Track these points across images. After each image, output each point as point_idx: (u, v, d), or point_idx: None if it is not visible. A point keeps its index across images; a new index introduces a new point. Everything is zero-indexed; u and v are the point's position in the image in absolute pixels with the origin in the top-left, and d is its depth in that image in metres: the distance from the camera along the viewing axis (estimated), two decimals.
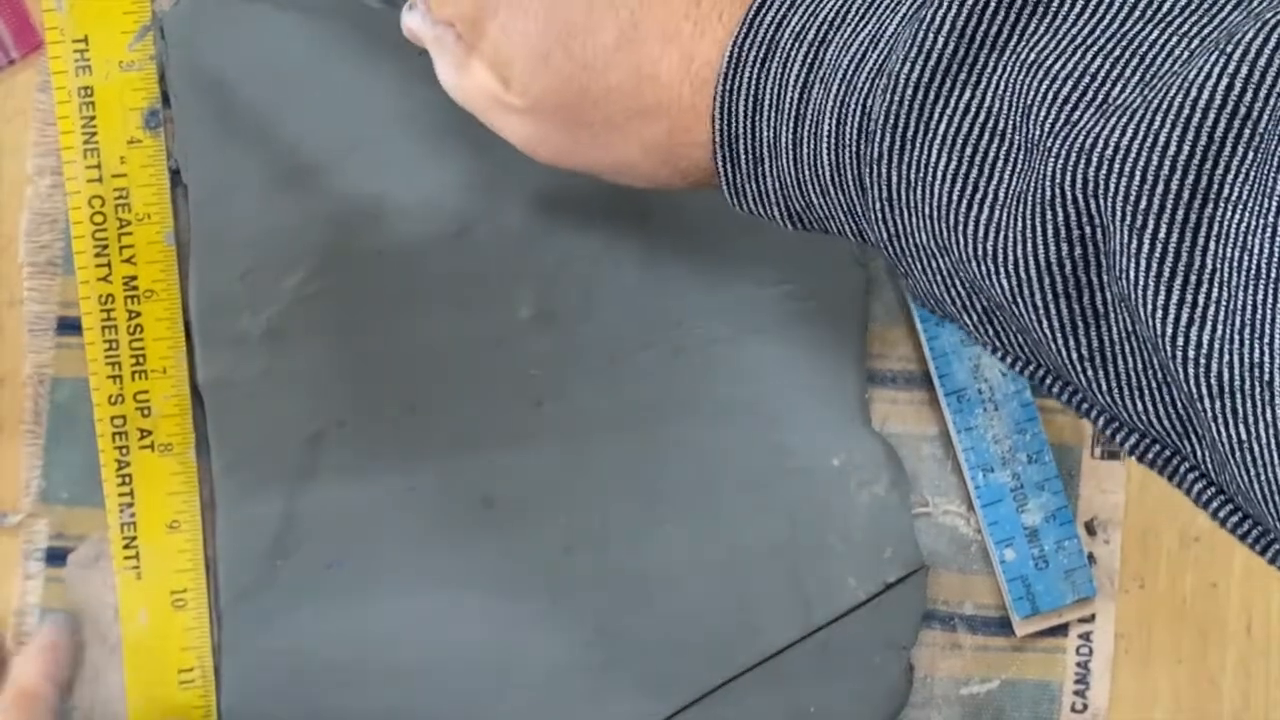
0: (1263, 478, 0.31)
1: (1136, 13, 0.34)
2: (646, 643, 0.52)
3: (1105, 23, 0.34)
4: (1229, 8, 0.33)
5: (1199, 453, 0.33)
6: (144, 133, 0.52)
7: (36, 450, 0.53)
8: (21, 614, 0.53)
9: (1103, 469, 0.54)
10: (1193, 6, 0.34)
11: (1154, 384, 0.33)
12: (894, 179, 0.36)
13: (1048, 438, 0.53)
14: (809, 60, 0.38)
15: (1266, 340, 0.30)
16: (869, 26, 0.37)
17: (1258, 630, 0.54)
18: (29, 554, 0.53)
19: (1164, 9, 0.34)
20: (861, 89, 0.36)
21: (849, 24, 0.37)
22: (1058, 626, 0.53)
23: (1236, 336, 0.30)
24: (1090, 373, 0.34)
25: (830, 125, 0.37)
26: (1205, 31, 0.33)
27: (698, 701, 0.52)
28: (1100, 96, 0.33)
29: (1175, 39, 0.33)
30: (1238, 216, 0.30)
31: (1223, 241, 0.31)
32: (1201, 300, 0.31)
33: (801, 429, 0.53)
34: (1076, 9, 0.34)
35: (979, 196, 0.35)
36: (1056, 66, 0.34)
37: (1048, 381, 0.37)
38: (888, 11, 0.37)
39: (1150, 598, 0.54)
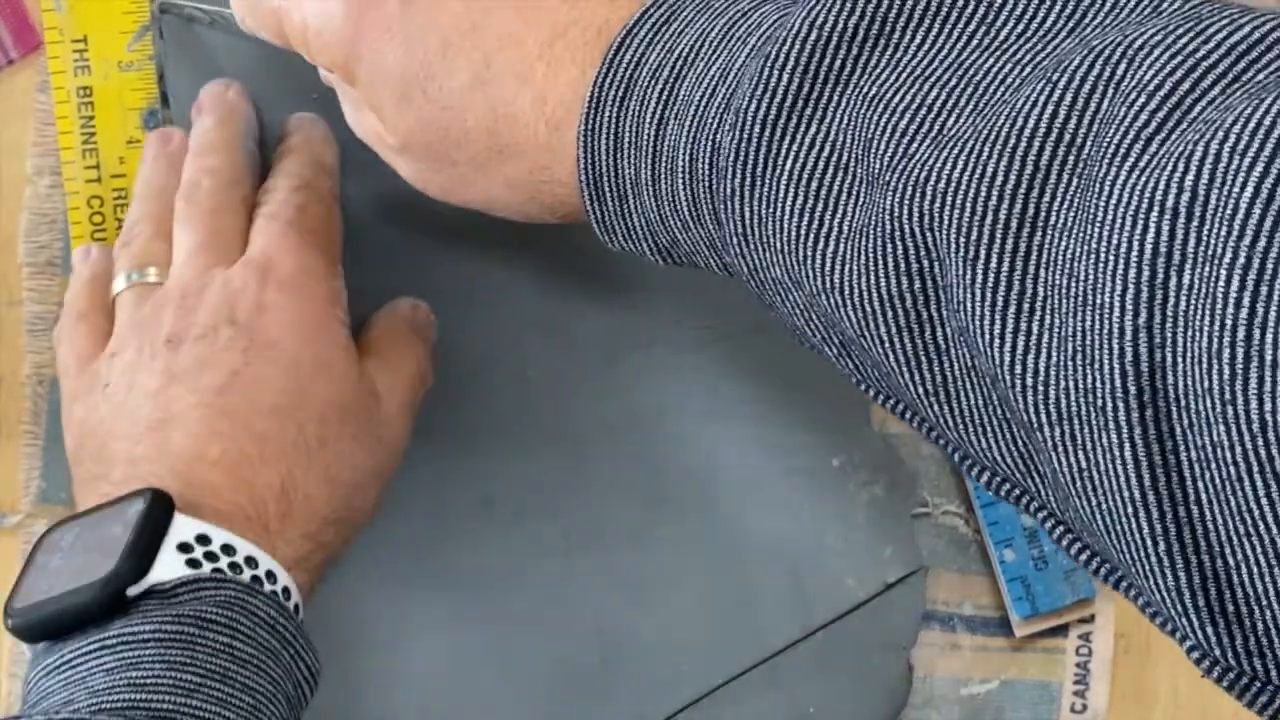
0: (1103, 506, 0.31)
1: (974, 42, 0.34)
2: (646, 643, 0.52)
3: (944, 53, 0.34)
4: (1062, 34, 0.33)
5: (1043, 491, 0.33)
6: (143, 133, 0.52)
7: (36, 451, 0.53)
8: None
9: None
10: (1027, 34, 0.34)
11: (996, 420, 0.33)
12: (746, 214, 0.36)
13: None
14: (664, 96, 0.38)
15: (1097, 365, 0.29)
16: (720, 60, 0.37)
17: None
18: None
19: (999, 37, 0.34)
20: (711, 124, 0.36)
21: (702, 58, 0.38)
22: (1057, 627, 0.53)
23: (1070, 362, 0.30)
24: (937, 408, 0.34)
25: (684, 161, 0.37)
26: (1038, 59, 0.33)
27: (698, 701, 0.52)
28: (936, 128, 0.33)
29: (1010, 66, 0.33)
30: (1064, 242, 0.30)
31: (1052, 268, 0.31)
32: (1035, 327, 0.31)
33: (801, 429, 0.53)
34: (917, 40, 0.34)
35: (825, 231, 0.35)
36: (895, 99, 0.34)
37: (906, 415, 0.37)
38: (738, 44, 0.37)
39: None
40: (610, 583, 0.52)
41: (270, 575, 0.42)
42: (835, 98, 0.35)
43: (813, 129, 0.35)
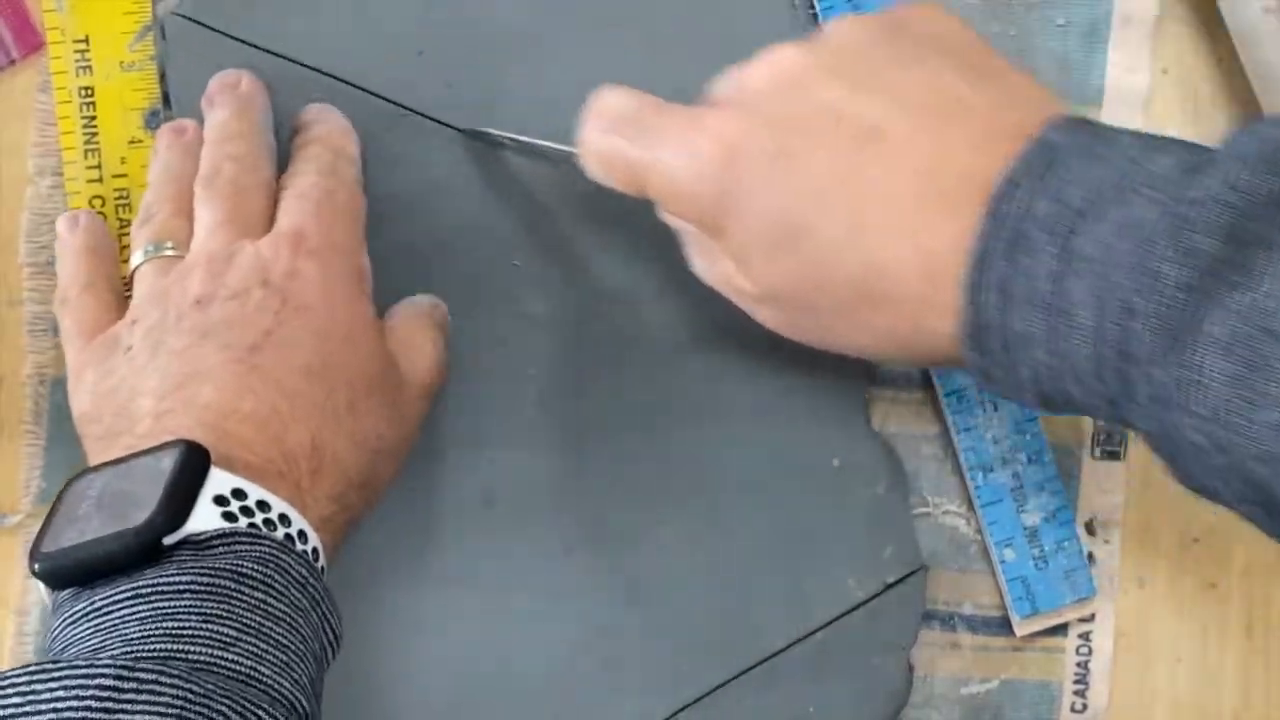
0: None
1: None
2: (646, 643, 0.52)
3: None
4: None
5: None
6: (145, 133, 0.53)
7: (37, 451, 0.53)
8: (22, 614, 0.53)
9: (1102, 469, 0.54)
10: None
11: None
12: (1164, 379, 0.36)
13: (1047, 438, 0.53)
14: (1060, 251, 0.37)
15: None
16: (1118, 213, 0.36)
17: (1257, 630, 0.54)
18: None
19: None
20: (1121, 285, 0.36)
21: (1097, 210, 0.37)
22: (1057, 626, 0.53)
23: None
24: None
25: (1089, 321, 0.37)
26: None
27: (698, 701, 0.52)
28: None
29: None
30: None
31: None
32: None
33: (801, 429, 0.53)
34: None
35: (1258, 399, 0.34)
36: None
37: None
38: (1136, 196, 0.36)
39: (1150, 598, 0.54)
40: (610, 583, 0.52)
41: (301, 534, 0.42)
42: (1262, 262, 0.34)
43: (1238, 294, 0.35)
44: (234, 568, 0.39)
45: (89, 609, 0.38)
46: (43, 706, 0.34)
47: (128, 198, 0.52)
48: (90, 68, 0.52)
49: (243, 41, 0.52)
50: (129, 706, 0.34)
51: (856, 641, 0.53)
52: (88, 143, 0.52)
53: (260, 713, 0.36)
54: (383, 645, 0.52)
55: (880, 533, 0.53)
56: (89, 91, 0.52)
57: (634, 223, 0.53)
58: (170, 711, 0.35)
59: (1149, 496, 0.54)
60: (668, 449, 0.53)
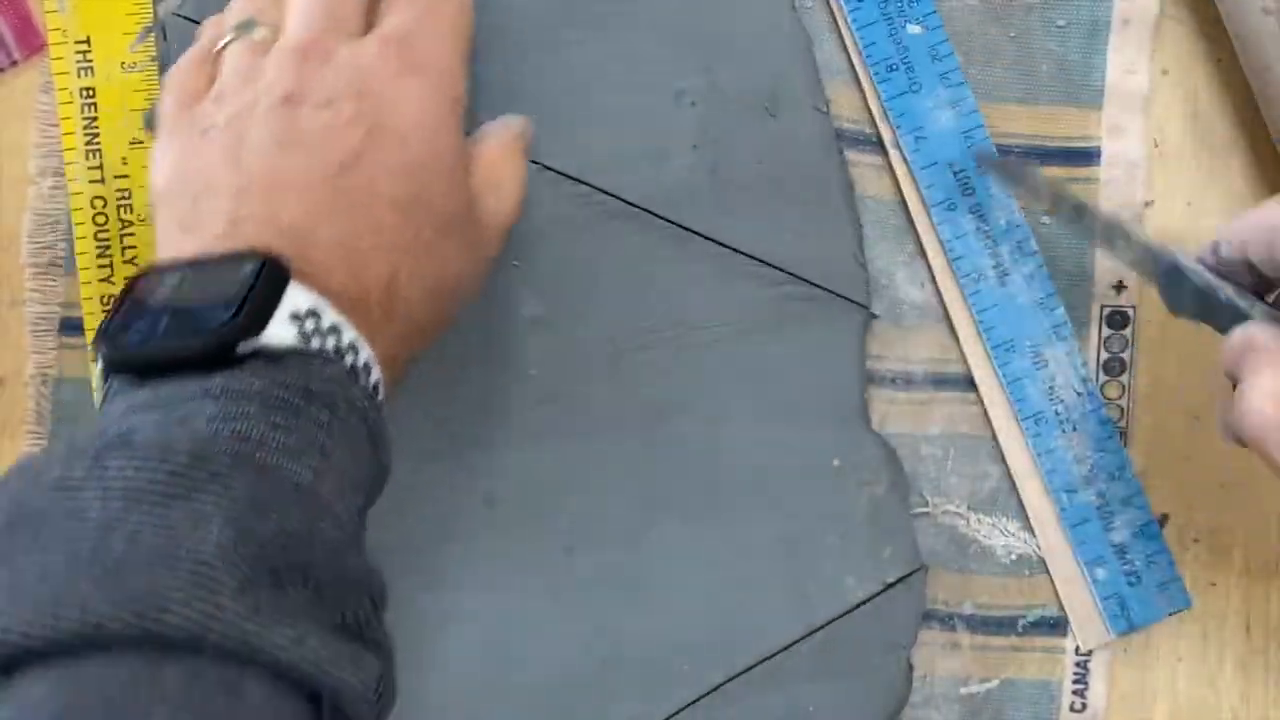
0: None
1: None
2: (646, 643, 0.52)
3: None
4: None
5: None
6: (146, 134, 0.53)
7: (39, 451, 0.53)
8: None
9: None
10: None
11: None
12: None
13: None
14: None
15: None
16: None
17: (1257, 630, 0.54)
18: None
19: None
20: None
21: None
22: (1057, 625, 0.53)
23: None
24: None
25: None
26: None
27: (698, 701, 0.52)
28: None
29: None
30: None
31: None
32: None
33: (802, 429, 0.53)
34: None
35: None
36: None
37: None
38: None
39: None
40: (610, 582, 0.53)
41: (366, 367, 0.41)
42: None
43: None
44: (304, 385, 0.38)
45: (155, 400, 0.37)
46: (111, 481, 0.34)
47: (129, 198, 0.53)
48: (92, 68, 0.53)
49: None
50: (198, 492, 0.34)
51: (856, 641, 0.53)
52: (89, 143, 0.53)
53: (324, 525, 0.36)
54: None
55: (880, 533, 0.53)
56: (90, 92, 0.53)
57: (635, 222, 0.53)
58: (237, 506, 0.35)
59: (1149, 496, 0.54)
60: (668, 449, 0.53)
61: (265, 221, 0.41)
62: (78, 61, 0.53)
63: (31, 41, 0.53)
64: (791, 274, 0.53)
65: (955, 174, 0.53)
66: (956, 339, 0.53)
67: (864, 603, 0.53)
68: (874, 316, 0.54)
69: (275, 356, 0.38)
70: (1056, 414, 0.53)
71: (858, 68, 0.53)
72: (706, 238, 0.53)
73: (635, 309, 0.53)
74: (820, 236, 0.53)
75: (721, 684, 0.52)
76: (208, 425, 0.36)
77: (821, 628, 0.53)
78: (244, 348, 0.38)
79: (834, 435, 0.53)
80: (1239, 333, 0.45)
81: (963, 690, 0.54)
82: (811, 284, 0.53)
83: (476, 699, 0.52)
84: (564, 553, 0.52)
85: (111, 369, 0.39)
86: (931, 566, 0.53)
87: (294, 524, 0.35)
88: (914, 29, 0.53)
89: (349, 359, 0.40)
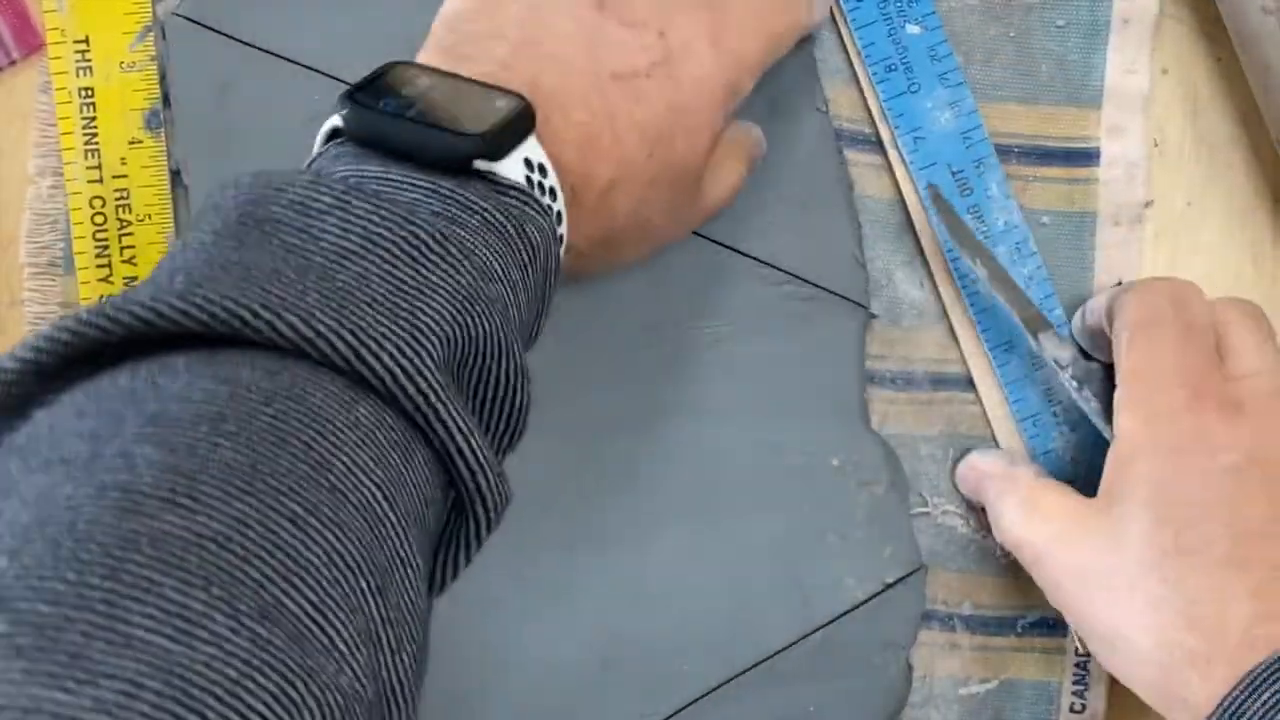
0: None
1: None
2: (646, 643, 0.52)
3: None
4: None
5: None
6: (145, 133, 0.53)
7: None
8: None
9: None
10: None
11: None
12: None
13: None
14: None
15: None
16: None
17: None
18: None
19: None
20: None
21: None
22: (1056, 626, 0.53)
23: None
24: None
25: None
26: None
27: (698, 701, 0.52)
28: None
29: None
30: None
31: None
32: None
33: (801, 429, 0.53)
34: None
35: None
36: None
37: None
38: None
39: None
40: (610, 582, 0.52)
41: (560, 239, 0.42)
42: None
43: None
44: (520, 223, 0.39)
45: (386, 175, 0.38)
46: (354, 219, 0.36)
47: (128, 198, 0.52)
48: (91, 68, 0.52)
49: (243, 42, 0.52)
50: (429, 267, 0.36)
51: (856, 641, 0.53)
52: (88, 143, 0.53)
53: (517, 350, 0.38)
54: None
55: (880, 533, 0.53)
56: (89, 92, 0.53)
57: None
58: (456, 300, 0.36)
59: None
60: (668, 449, 0.53)
61: (529, 80, 0.42)
62: (76, 61, 0.53)
63: (29, 41, 0.53)
64: (791, 274, 0.53)
65: (954, 174, 0.53)
66: (955, 339, 0.53)
67: (864, 603, 0.53)
68: (874, 316, 0.54)
69: (500, 187, 0.39)
70: (1054, 415, 0.53)
71: (857, 68, 0.53)
72: (706, 238, 0.53)
73: (635, 309, 0.53)
74: (820, 236, 0.53)
75: (721, 684, 0.52)
76: (429, 219, 0.37)
77: (821, 628, 0.53)
78: (478, 165, 0.39)
79: (834, 435, 0.53)
80: (965, 465, 0.53)
81: (962, 691, 0.54)
82: (811, 284, 0.53)
83: (477, 699, 0.52)
84: (564, 553, 0.52)
85: (349, 130, 0.40)
86: (931, 566, 0.53)
87: (492, 336, 0.37)
88: (913, 29, 0.53)
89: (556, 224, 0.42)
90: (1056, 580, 0.48)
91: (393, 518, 0.33)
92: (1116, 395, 0.48)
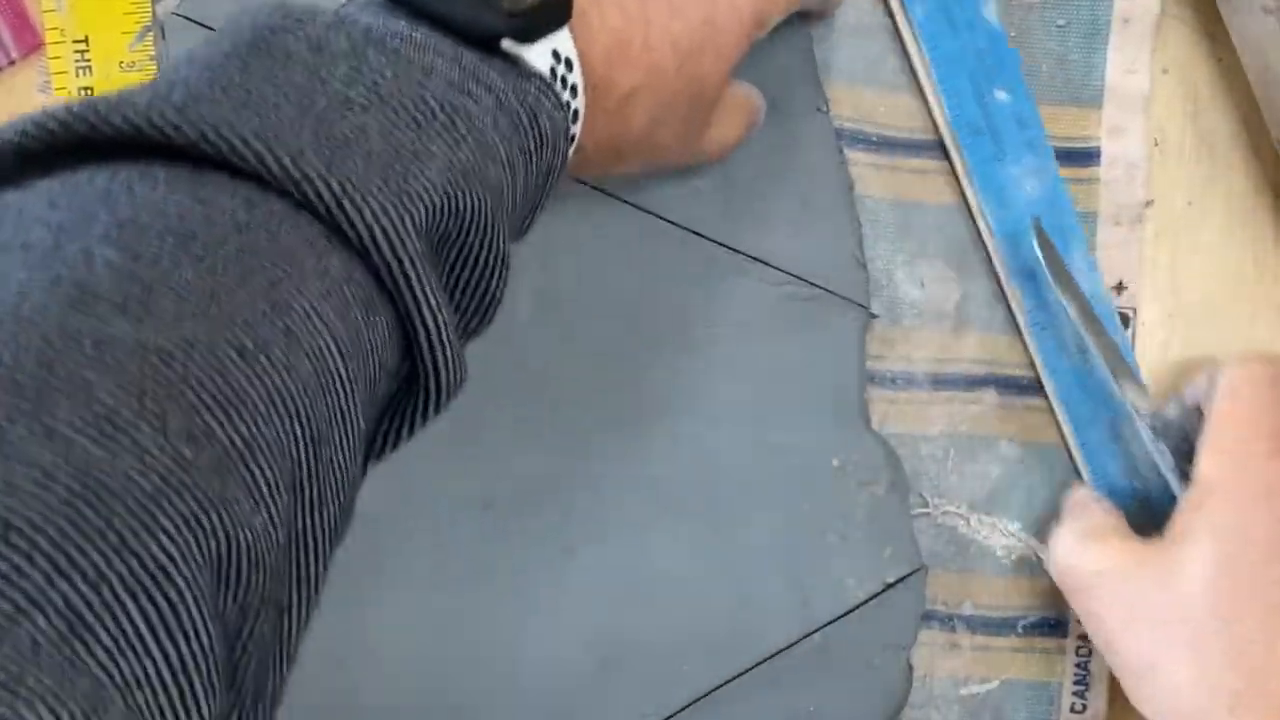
0: None
1: None
2: (646, 643, 0.52)
3: None
4: None
5: None
6: None
7: None
8: None
9: None
10: None
11: None
12: None
13: (1041, 438, 0.53)
14: None
15: None
16: None
17: None
18: None
19: None
20: None
21: None
22: (1057, 626, 0.53)
23: None
24: None
25: None
26: None
27: (698, 701, 0.52)
28: None
29: None
30: None
31: None
32: None
33: (801, 429, 0.53)
34: None
35: None
36: None
37: None
38: None
39: None
40: (610, 582, 0.52)
41: (571, 139, 0.42)
42: None
43: None
44: (534, 112, 0.38)
45: (406, 35, 0.37)
46: (367, 69, 0.35)
47: None
48: (90, 68, 0.52)
49: None
50: (431, 135, 0.35)
51: (856, 641, 0.53)
52: None
53: (503, 236, 0.37)
54: (383, 645, 0.52)
55: (880, 533, 0.53)
56: (89, 92, 0.52)
57: (635, 223, 0.53)
58: (452, 173, 0.35)
59: None
60: (668, 448, 0.53)
61: None
62: (76, 61, 0.52)
63: (28, 40, 0.53)
64: (791, 274, 0.53)
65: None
66: (1052, 413, 0.54)
67: (864, 603, 0.53)
68: (874, 316, 0.53)
69: (521, 73, 0.39)
70: (1133, 487, 0.53)
71: (943, 130, 0.53)
72: (707, 238, 0.53)
73: (635, 309, 0.53)
74: (820, 236, 0.53)
75: (721, 684, 0.52)
76: (447, 89, 0.36)
77: (821, 628, 0.53)
78: (505, 45, 0.38)
79: (834, 435, 0.53)
80: (1069, 493, 0.53)
81: (962, 691, 0.54)
82: (811, 284, 0.53)
83: (477, 699, 0.52)
84: (563, 553, 0.52)
85: None
86: (931, 567, 0.53)
87: (480, 216, 0.36)
88: (1000, 95, 0.53)
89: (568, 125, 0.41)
90: (1098, 612, 0.48)
91: (343, 374, 0.32)
92: (1202, 438, 0.48)
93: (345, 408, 0.32)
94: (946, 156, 0.53)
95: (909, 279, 0.54)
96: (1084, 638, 0.53)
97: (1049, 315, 0.53)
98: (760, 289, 0.53)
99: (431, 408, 0.36)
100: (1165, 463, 0.50)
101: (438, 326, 0.34)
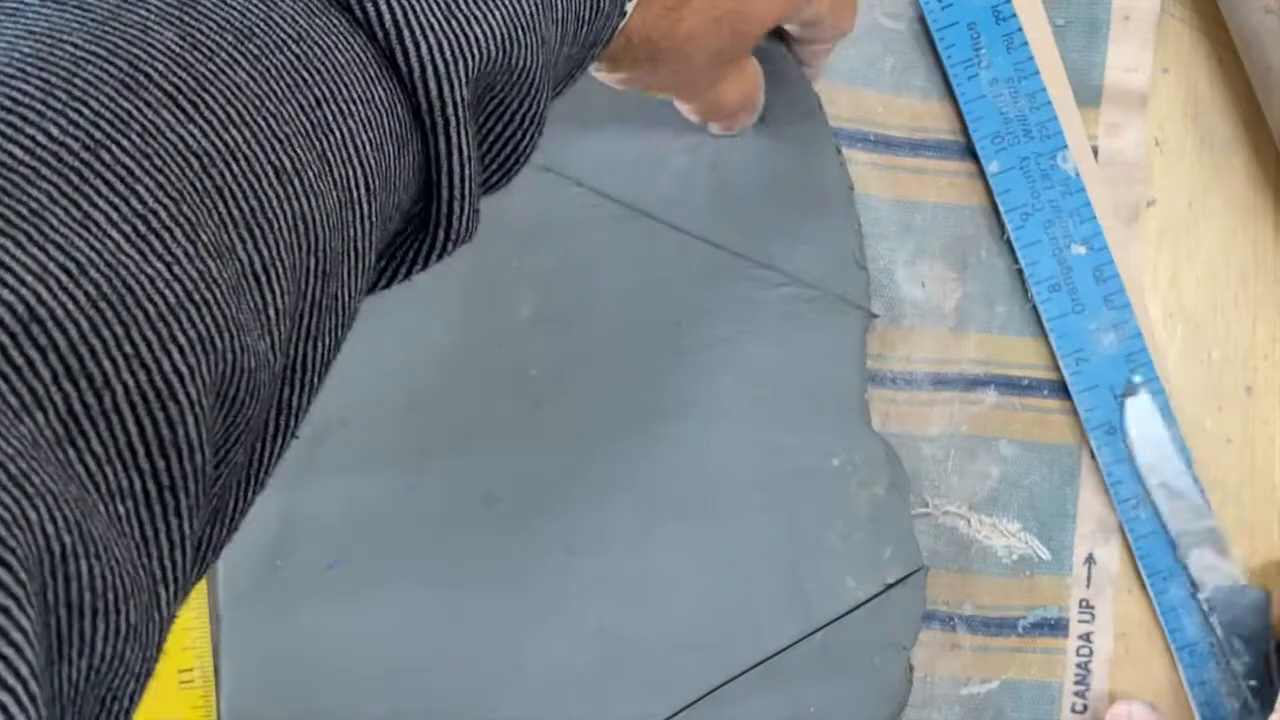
0: None
1: None
2: (646, 643, 0.52)
3: None
4: None
5: None
6: None
7: None
8: None
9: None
10: None
11: None
12: None
13: (1042, 439, 0.53)
14: None
15: None
16: None
17: None
18: None
19: None
20: None
21: None
22: (1057, 626, 0.53)
23: None
24: None
25: None
26: None
27: (698, 701, 0.52)
28: None
29: None
30: None
31: None
32: None
33: (801, 429, 0.53)
34: None
35: None
36: None
37: None
38: None
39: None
40: (610, 582, 0.52)
41: (623, 17, 0.40)
42: None
43: None
44: None
45: None
46: None
47: None
48: None
49: None
50: None
51: (856, 641, 0.53)
52: None
53: (545, 97, 0.36)
54: (383, 645, 0.52)
55: (880, 533, 0.53)
56: None
57: (635, 224, 0.53)
58: (516, 24, 0.33)
59: None
60: (668, 449, 0.53)
61: None
62: None
63: None
64: (792, 276, 0.53)
65: (1115, 397, 0.53)
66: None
67: (864, 603, 0.53)
68: (874, 316, 0.53)
69: None
70: (1211, 646, 0.53)
71: (1029, 286, 0.54)
72: (708, 241, 0.53)
73: (635, 310, 0.53)
74: (820, 237, 0.53)
75: (721, 684, 0.52)
76: None
77: (821, 628, 0.53)
78: None
79: (834, 435, 0.53)
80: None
81: (963, 691, 0.54)
82: (812, 285, 0.53)
83: (476, 699, 0.52)
84: (564, 553, 0.52)
85: None
86: (932, 567, 0.53)
87: (530, 72, 0.34)
88: (1078, 250, 0.53)
89: None
90: None
91: (365, 209, 0.31)
92: None
93: (360, 245, 0.31)
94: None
95: (910, 279, 0.54)
96: (1084, 638, 0.53)
97: (1125, 470, 0.53)
98: (761, 290, 0.53)
99: (436, 254, 0.35)
100: (1218, 640, 0.51)
101: (464, 179, 0.33)
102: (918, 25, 0.54)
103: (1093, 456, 0.53)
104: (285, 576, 0.51)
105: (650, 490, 0.53)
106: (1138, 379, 0.53)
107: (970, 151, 0.54)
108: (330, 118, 0.30)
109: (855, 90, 0.53)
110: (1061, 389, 0.54)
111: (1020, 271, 0.53)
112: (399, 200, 0.33)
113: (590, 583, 0.52)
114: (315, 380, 0.31)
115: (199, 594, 0.52)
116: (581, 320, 0.53)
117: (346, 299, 0.31)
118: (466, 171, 0.33)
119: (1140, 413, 0.53)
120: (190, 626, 0.52)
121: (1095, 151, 0.53)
